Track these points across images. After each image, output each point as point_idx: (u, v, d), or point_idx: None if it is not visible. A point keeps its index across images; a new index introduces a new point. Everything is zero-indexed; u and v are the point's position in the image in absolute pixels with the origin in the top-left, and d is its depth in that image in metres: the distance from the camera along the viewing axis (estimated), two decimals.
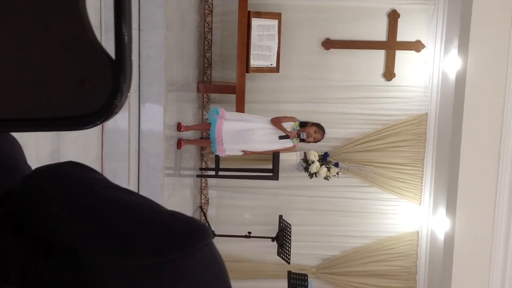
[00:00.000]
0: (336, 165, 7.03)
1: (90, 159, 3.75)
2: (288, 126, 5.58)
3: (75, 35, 0.56)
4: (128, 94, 0.59)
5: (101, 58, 0.57)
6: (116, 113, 0.57)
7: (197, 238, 0.73)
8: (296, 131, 5.51)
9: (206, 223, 7.02)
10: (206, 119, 6.02)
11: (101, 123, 0.58)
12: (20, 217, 0.75)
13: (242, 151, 5.74)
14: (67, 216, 0.73)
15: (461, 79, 6.07)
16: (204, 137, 6.62)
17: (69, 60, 0.57)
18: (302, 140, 5.64)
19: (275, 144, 5.60)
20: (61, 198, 0.75)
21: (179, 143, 5.64)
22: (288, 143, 5.60)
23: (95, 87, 0.57)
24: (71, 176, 0.79)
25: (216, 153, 5.75)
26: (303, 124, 5.64)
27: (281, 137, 5.46)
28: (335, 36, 7.17)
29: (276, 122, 5.55)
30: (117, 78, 0.56)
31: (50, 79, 0.57)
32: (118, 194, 0.77)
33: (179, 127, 5.56)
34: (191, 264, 0.71)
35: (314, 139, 5.61)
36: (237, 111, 6.41)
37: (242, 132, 5.57)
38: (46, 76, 0.57)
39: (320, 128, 5.64)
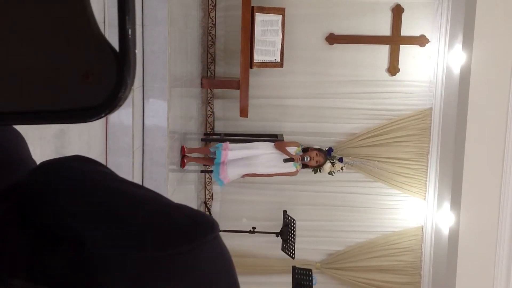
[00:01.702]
0: (340, 160, 7.03)
1: (94, 154, 3.76)
2: (292, 150, 5.80)
3: (79, 28, 0.56)
4: (132, 87, 0.59)
5: (105, 51, 0.57)
6: (120, 106, 0.57)
7: (204, 231, 0.73)
8: (300, 155, 5.70)
9: None
10: (210, 149, 6.08)
11: (105, 115, 0.58)
12: (27, 210, 0.75)
13: (244, 175, 5.91)
14: (74, 209, 0.73)
15: (465, 74, 6.05)
16: (208, 133, 6.65)
17: (74, 53, 0.57)
18: (304, 166, 5.94)
19: (278, 168, 5.83)
20: (68, 191, 0.75)
21: (183, 163, 5.69)
22: (291, 168, 5.82)
23: (99, 80, 0.57)
24: (78, 170, 0.79)
25: (220, 184, 5.91)
26: (305, 149, 5.89)
27: (286, 160, 5.71)
28: (339, 31, 7.15)
29: (280, 146, 5.80)
30: (121, 71, 0.56)
31: (55, 72, 0.57)
32: (125, 187, 0.77)
33: (182, 150, 5.61)
34: (198, 258, 0.71)
35: (317, 162, 5.92)
36: (241, 106, 6.41)
37: (247, 159, 5.75)
38: (51, 69, 0.57)
39: (321, 151, 5.98)
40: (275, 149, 5.80)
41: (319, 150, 5.95)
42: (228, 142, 5.92)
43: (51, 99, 0.58)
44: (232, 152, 5.77)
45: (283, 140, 6.45)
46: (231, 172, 5.80)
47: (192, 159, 5.95)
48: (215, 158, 5.83)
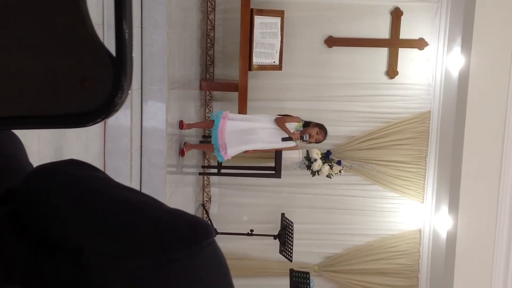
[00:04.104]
0: (339, 163, 7.02)
1: (92, 157, 3.75)
2: (292, 126, 5.62)
3: (76, 33, 0.56)
4: (129, 92, 0.59)
5: (102, 56, 0.57)
6: (117, 110, 0.57)
7: (200, 236, 0.73)
8: (299, 133, 5.56)
9: (209, 221, 7.03)
10: (209, 117, 6.03)
11: (102, 120, 0.58)
12: (23, 216, 0.75)
13: (245, 151, 5.77)
14: (71, 215, 0.72)
15: (464, 77, 6.06)
16: (207, 134, 6.60)
17: (71, 58, 0.57)
18: (304, 140, 5.72)
19: (277, 143, 5.64)
20: (64, 197, 0.74)
21: (182, 151, 5.65)
22: (291, 143, 5.65)
23: (96, 84, 0.57)
24: (74, 175, 0.79)
25: (220, 159, 5.79)
26: (306, 124, 5.67)
27: (284, 139, 5.53)
28: (338, 33, 7.16)
29: (280, 122, 5.60)
30: (118, 76, 0.56)
31: (52, 77, 0.57)
32: (121, 193, 0.77)
33: (181, 125, 5.56)
34: (195, 264, 0.71)
35: (316, 140, 5.69)
36: (239, 109, 6.41)
37: (245, 132, 5.58)
38: (48, 74, 0.57)
39: (322, 129, 5.71)
40: (275, 124, 5.69)
41: (320, 127, 5.71)
42: (228, 111, 5.77)
43: (48, 104, 0.58)
44: (230, 122, 5.66)
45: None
46: (231, 148, 5.65)
47: (191, 147, 5.90)
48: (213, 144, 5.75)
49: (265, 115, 5.81)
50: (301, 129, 5.63)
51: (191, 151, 6.12)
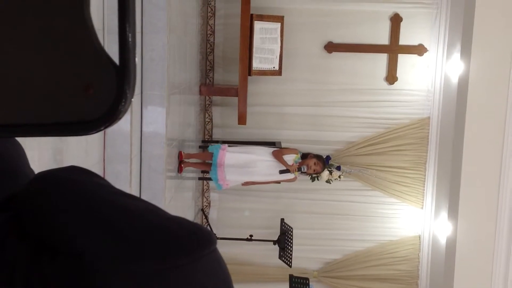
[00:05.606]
0: (338, 168, 7.02)
1: (92, 162, 3.75)
2: (290, 158, 5.75)
3: (79, 41, 0.57)
4: (132, 99, 0.59)
5: (105, 63, 0.57)
6: (120, 118, 0.58)
7: (202, 244, 0.73)
8: (297, 165, 5.68)
9: (208, 226, 7.03)
10: (208, 150, 6.09)
11: (105, 128, 0.58)
12: (25, 221, 0.75)
13: (243, 183, 5.93)
14: (72, 220, 0.73)
15: (463, 83, 6.06)
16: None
17: (74, 66, 0.57)
18: (303, 172, 5.92)
19: (276, 176, 5.77)
20: (66, 203, 0.75)
21: (180, 167, 5.68)
22: (289, 175, 5.81)
23: (99, 93, 0.57)
24: (75, 181, 0.79)
25: (219, 188, 5.91)
26: (304, 156, 5.80)
27: (281, 172, 5.65)
28: (338, 39, 7.17)
29: (278, 155, 5.74)
30: (121, 84, 0.56)
31: (55, 85, 0.57)
32: (122, 199, 0.78)
33: (180, 156, 5.58)
34: (196, 271, 0.71)
35: (314, 171, 5.92)
36: (239, 113, 6.41)
37: (244, 164, 5.71)
38: (51, 82, 0.57)
39: (320, 160, 5.91)
40: (273, 157, 5.78)
41: (318, 158, 5.88)
42: (226, 145, 5.89)
43: (51, 112, 0.58)
44: (230, 154, 5.74)
45: (281, 147, 6.43)
46: (230, 179, 5.79)
47: (189, 164, 5.94)
48: (211, 163, 5.83)
49: (263, 148, 5.91)
50: (300, 160, 5.75)
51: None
